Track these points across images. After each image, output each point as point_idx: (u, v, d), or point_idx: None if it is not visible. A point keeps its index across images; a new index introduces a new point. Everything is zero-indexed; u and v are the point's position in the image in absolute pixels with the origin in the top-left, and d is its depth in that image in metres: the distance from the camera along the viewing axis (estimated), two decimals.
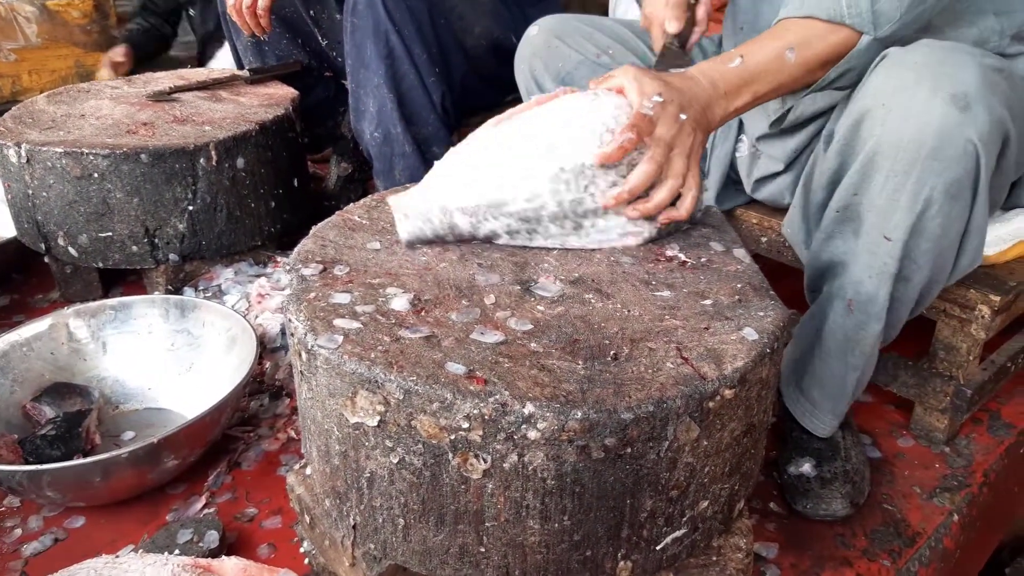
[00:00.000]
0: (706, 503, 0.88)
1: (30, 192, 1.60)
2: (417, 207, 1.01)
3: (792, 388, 1.25)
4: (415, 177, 1.76)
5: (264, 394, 1.46)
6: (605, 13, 3.05)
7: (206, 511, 1.23)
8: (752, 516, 1.21)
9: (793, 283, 1.36)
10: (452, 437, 0.79)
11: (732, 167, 1.47)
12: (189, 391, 1.43)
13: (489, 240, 1.01)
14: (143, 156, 1.54)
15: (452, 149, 1.06)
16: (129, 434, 1.39)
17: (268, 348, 1.50)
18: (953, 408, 1.35)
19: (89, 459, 1.13)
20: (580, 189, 0.98)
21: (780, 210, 1.45)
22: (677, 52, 1.28)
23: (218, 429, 1.28)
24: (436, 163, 1.06)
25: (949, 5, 1.12)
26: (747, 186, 1.43)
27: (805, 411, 1.24)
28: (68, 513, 1.24)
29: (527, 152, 0.98)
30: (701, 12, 1.30)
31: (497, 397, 0.77)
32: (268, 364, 1.48)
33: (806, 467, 1.23)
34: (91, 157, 1.54)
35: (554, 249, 1.03)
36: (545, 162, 0.97)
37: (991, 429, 1.43)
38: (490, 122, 1.07)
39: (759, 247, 1.46)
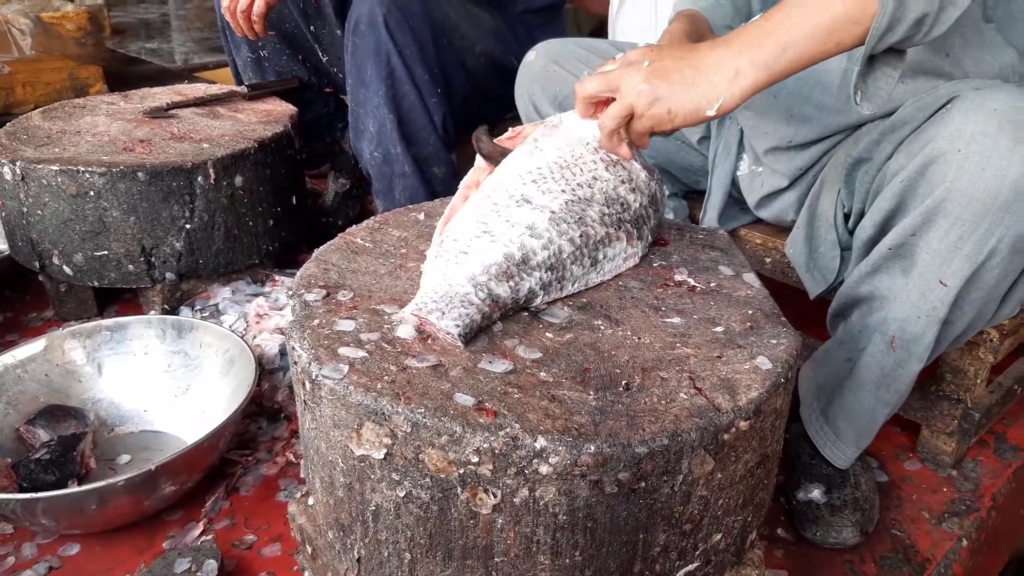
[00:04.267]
0: (719, 536, 0.87)
1: (25, 210, 1.58)
2: (448, 296, 0.89)
3: (816, 415, 1.23)
4: (414, 197, 1.75)
5: (262, 416, 1.44)
6: (601, 35, 3.06)
7: (204, 538, 1.20)
8: (761, 543, 1.19)
9: (798, 304, 1.35)
10: (461, 471, 0.77)
11: (735, 186, 1.46)
12: (186, 413, 1.41)
13: (528, 303, 0.94)
14: (140, 174, 1.52)
15: (434, 238, 1.00)
16: (125, 457, 1.36)
17: (267, 369, 1.47)
18: (960, 431, 1.34)
19: (85, 487, 1.11)
20: (578, 222, 0.96)
21: (784, 230, 1.44)
22: None
23: (217, 454, 1.26)
24: (428, 254, 0.99)
25: (976, 36, 1.10)
26: (751, 204, 1.42)
27: (827, 440, 1.22)
28: (62, 541, 1.21)
29: (517, 212, 0.95)
30: None
31: (508, 431, 0.75)
32: (266, 386, 1.46)
33: (815, 493, 1.21)
34: (87, 175, 1.51)
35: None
36: (537, 213, 0.94)
37: (998, 452, 1.42)
38: (456, 197, 1.05)
39: (763, 268, 1.45)
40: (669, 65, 0.94)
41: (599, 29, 3.27)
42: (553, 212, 0.94)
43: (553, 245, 0.93)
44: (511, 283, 0.91)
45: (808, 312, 1.40)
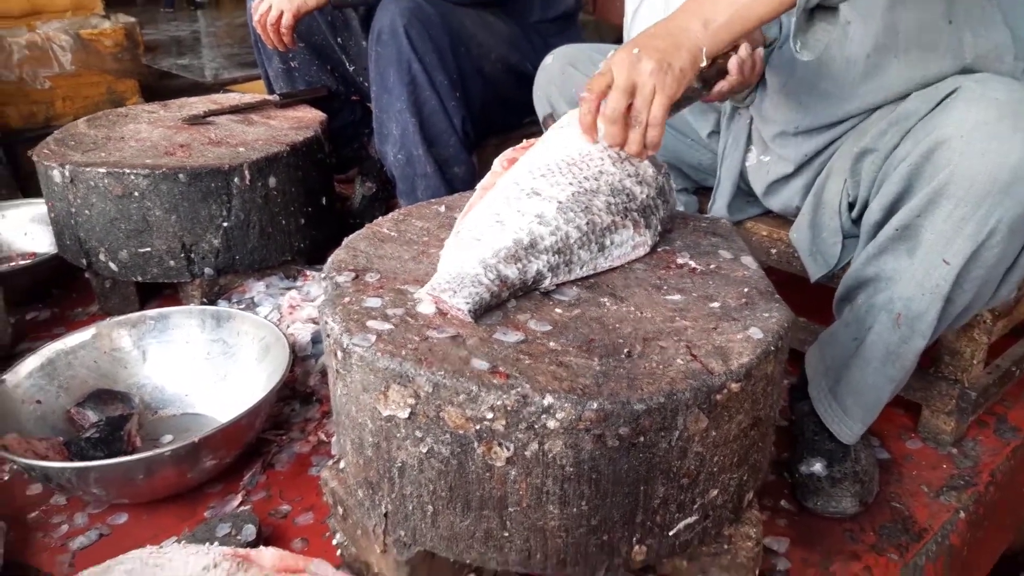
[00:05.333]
0: (716, 491, 0.94)
1: (73, 210, 1.69)
2: (460, 277, 0.97)
3: (824, 394, 1.30)
4: (436, 196, 1.83)
5: (296, 399, 1.53)
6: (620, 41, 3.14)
7: (242, 508, 1.29)
8: (764, 513, 1.26)
9: (802, 292, 1.42)
10: (477, 427, 0.85)
11: (743, 178, 1.53)
12: (224, 397, 1.50)
13: (537, 284, 1.00)
14: (181, 176, 1.63)
15: (453, 230, 1.08)
16: (167, 438, 1.46)
17: (299, 356, 1.57)
18: (959, 411, 1.40)
19: (133, 456, 1.20)
20: (584, 211, 1.03)
21: (789, 222, 1.50)
22: (695, 89, 1.21)
23: (253, 432, 1.35)
24: (446, 243, 1.06)
25: (978, 9, 1.16)
26: (759, 192, 1.49)
27: (836, 417, 1.29)
28: (112, 510, 1.31)
29: (527, 202, 1.03)
30: (733, 64, 1.23)
31: (519, 390, 0.83)
32: (299, 371, 1.55)
33: (817, 467, 1.28)
34: (132, 177, 1.62)
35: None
36: (546, 203, 1.02)
37: (998, 432, 1.48)
38: (475, 196, 1.13)
39: (769, 258, 1.52)
40: (646, 36, 1.04)
41: (621, 40, 3.34)
42: (560, 202, 1.02)
43: (560, 231, 1.01)
44: (519, 265, 0.99)
45: (811, 300, 1.47)
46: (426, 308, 0.97)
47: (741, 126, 1.47)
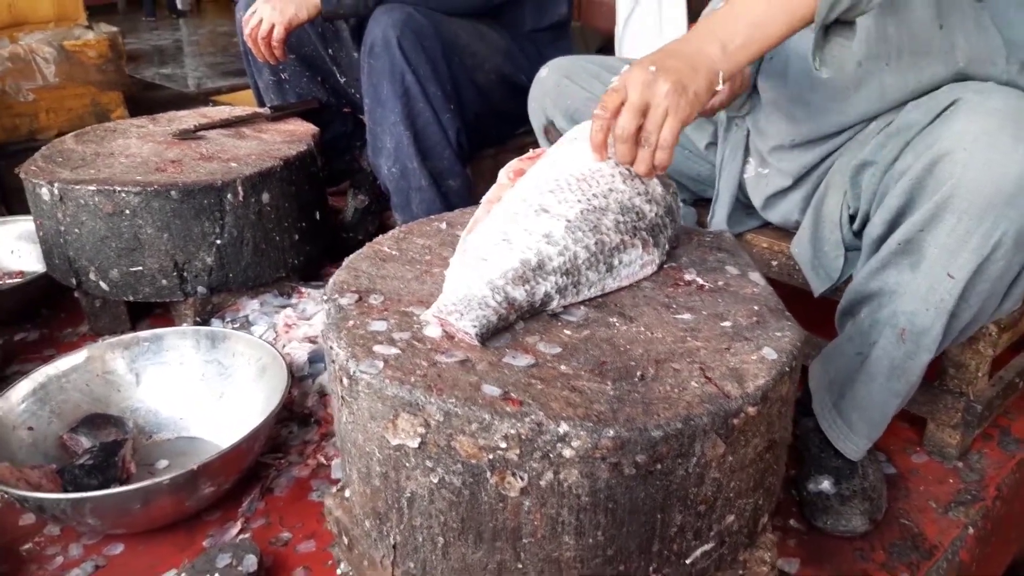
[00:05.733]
0: (732, 517, 0.92)
1: (62, 229, 1.66)
2: (467, 299, 0.94)
3: (828, 410, 1.28)
4: (431, 209, 1.82)
5: (293, 421, 1.50)
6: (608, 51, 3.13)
7: (242, 536, 1.26)
8: (775, 533, 1.24)
9: (804, 304, 1.40)
10: (490, 456, 0.83)
11: (741, 189, 1.52)
12: (220, 420, 1.47)
13: (545, 306, 0.99)
14: (173, 193, 1.60)
15: (458, 247, 1.07)
16: (163, 463, 1.43)
17: (296, 376, 1.54)
18: (964, 424, 1.39)
19: (130, 487, 1.17)
20: (593, 230, 1.01)
21: (790, 234, 1.49)
22: None
23: (252, 457, 1.32)
24: (451, 261, 1.05)
25: (971, 11, 1.15)
26: (757, 205, 1.48)
27: (840, 433, 1.27)
28: (107, 540, 1.27)
29: (535, 220, 1.01)
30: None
31: (532, 417, 0.81)
32: (296, 392, 1.53)
33: (825, 484, 1.27)
34: (123, 194, 1.59)
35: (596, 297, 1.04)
36: (554, 221, 1.00)
37: (1002, 444, 1.47)
38: (480, 210, 1.11)
39: (770, 271, 1.51)
40: (663, 55, 1.01)
41: (606, 46, 3.33)
42: (569, 220, 1.00)
43: (568, 252, 0.99)
44: (527, 287, 0.96)
45: (813, 312, 1.45)
46: (433, 331, 0.95)
47: (738, 138, 1.46)
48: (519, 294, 0.95)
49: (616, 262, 1.03)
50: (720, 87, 1.01)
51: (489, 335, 0.93)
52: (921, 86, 1.19)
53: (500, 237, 1.00)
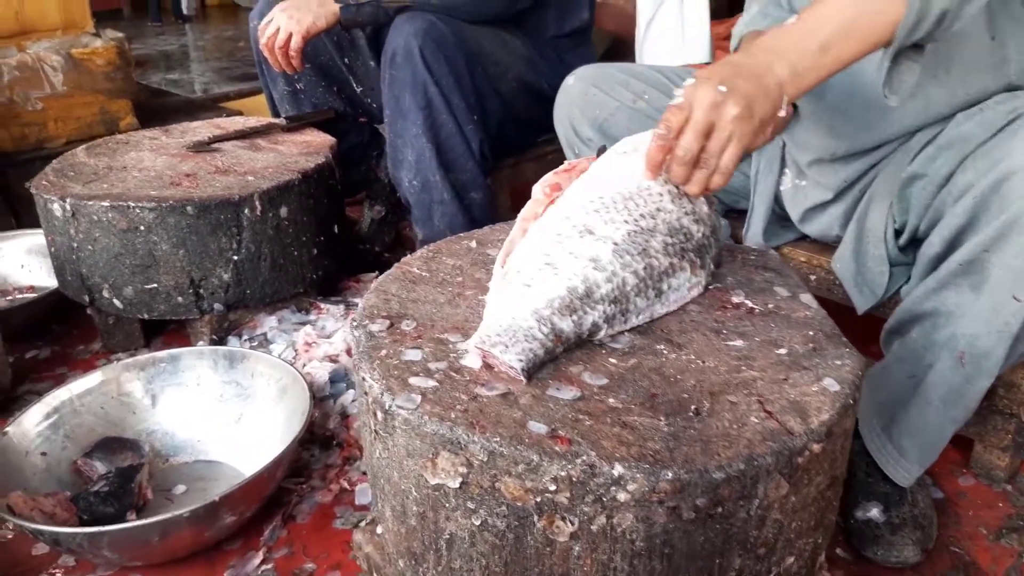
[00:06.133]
0: (792, 559, 0.87)
1: (75, 245, 1.61)
2: (511, 330, 0.88)
3: (877, 434, 1.23)
4: (453, 223, 1.77)
5: (314, 444, 1.45)
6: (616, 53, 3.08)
7: (264, 567, 1.22)
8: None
9: (841, 322, 1.34)
10: (538, 499, 0.78)
11: (777, 202, 1.46)
12: (239, 442, 1.43)
13: (591, 336, 0.93)
14: (189, 208, 1.55)
15: (495, 270, 1.01)
16: (180, 487, 1.38)
17: (317, 397, 1.49)
18: (1015, 446, 1.33)
19: (150, 519, 1.12)
20: (642, 253, 0.95)
21: (828, 247, 1.44)
22: None
23: (275, 484, 1.27)
24: (490, 285, 0.99)
25: (1017, 23, 1.10)
26: (795, 218, 1.43)
27: (890, 458, 1.22)
28: (124, 572, 1.23)
29: (580, 243, 0.95)
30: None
31: (584, 458, 0.76)
32: (317, 413, 1.47)
33: (874, 512, 1.21)
34: (137, 210, 1.54)
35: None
36: (600, 244, 0.94)
37: None
38: (515, 230, 1.04)
39: (808, 285, 1.45)
40: (732, 70, 0.95)
41: (613, 47, 3.28)
42: (616, 243, 0.94)
43: (617, 278, 0.93)
44: (574, 317, 0.90)
45: (852, 329, 1.39)
46: (472, 361, 0.90)
47: (774, 150, 1.41)
48: (566, 325, 0.89)
49: (665, 287, 0.97)
50: (782, 113, 0.96)
51: (534, 370, 0.88)
52: (969, 98, 1.14)
53: (544, 261, 0.94)
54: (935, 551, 1.23)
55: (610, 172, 1.01)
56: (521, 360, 0.86)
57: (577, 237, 0.95)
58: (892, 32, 0.94)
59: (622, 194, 0.97)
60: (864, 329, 1.33)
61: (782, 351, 0.93)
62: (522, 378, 0.86)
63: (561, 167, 1.08)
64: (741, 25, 1.36)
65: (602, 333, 0.93)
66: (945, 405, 1.14)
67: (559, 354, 0.90)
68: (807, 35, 0.95)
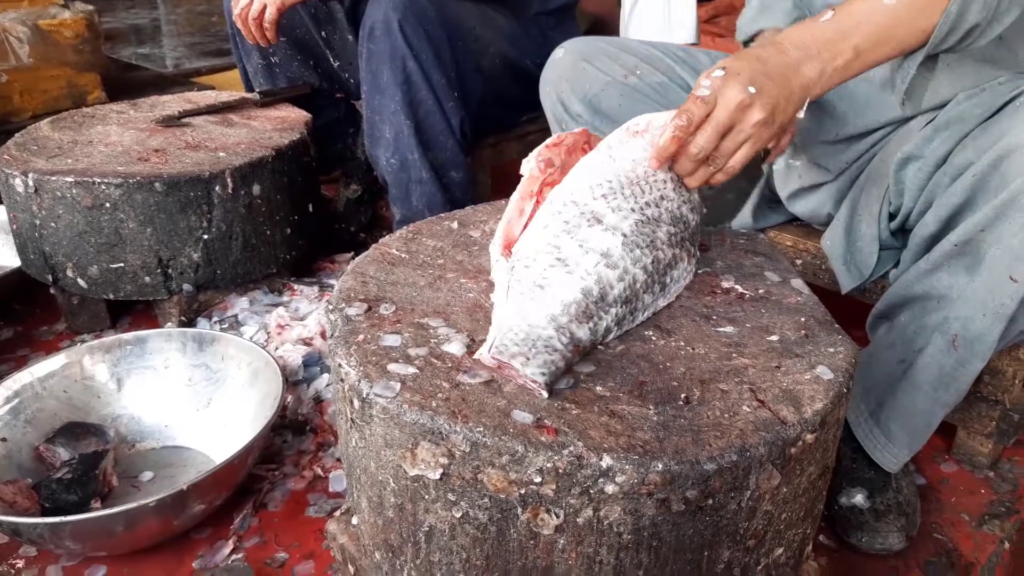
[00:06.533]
0: (781, 550, 0.84)
1: (37, 222, 1.55)
2: (530, 340, 0.82)
3: (864, 419, 1.21)
4: (432, 203, 1.72)
5: (287, 429, 1.41)
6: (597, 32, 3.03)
7: (234, 557, 1.18)
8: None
9: (828, 305, 1.32)
10: (522, 491, 0.75)
11: (767, 182, 1.43)
12: (208, 428, 1.38)
13: (603, 340, 0.88)
14: (157, 184, 1.49)
15: (495, 260, 0.96)
16: (147, 474, 1.33)
17: (290, 381, 1.44)
18: (999, 432, 1.32)
19: (114, 509, 1.08)
20: (650, 246, 0.90)
21: (815, 231, 1.42)
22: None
23: (245, 470, 1.23)
24: (495, 278, 0.95)
25: None
26: (783, 196, 1.40)
27: (878, 444, 1.20)
28: (88, 563, 1.18)
29: (589, 233, 0.89)
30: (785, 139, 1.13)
31: (571, 449, 0.73)
32: (290, 398, 1.43)
33: (859, 498, 1.20)
34: (103, 186, 1.48)
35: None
36: (609, 236, 0.88)
37: None
38: (511, 209, 0.99)
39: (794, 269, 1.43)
40: (761, 66, 0.91)
41: (594, 27, 3.24)
42: (625, 235, 0.89)
43: (628, 276, 0.88)
44: (591, 324, 0.85)
45: (834, 314, 1.37)
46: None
47: None
48: (584, 334, 0.84)
49: (668, 279, 0.93)
50: (801, 114, 0.93)
51: (555, 383, 0.82)
52: (976, 85, 1.11)
53: (555, 255, 0.87)
54: (918, 538, 1.22)
55: (616, 152, 0.95)
56: (544, 373, 0.80)
57: (586, 226, 0.89)
58: (922, 40, 0.93)
59: (628, 177, 0.92)
60: (848, 315, 1.30)
61: (774, 338, 0.90)
62: (545, 392, 0.80)
63: (550, 140, 1.04)
64: (747, 20, 1.32)
65: (612, 336, 0.89)
66: (935, 389, 1.12)
67: (575, 364, 0.85)
68: (841, 37, 0.93)
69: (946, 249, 1.04)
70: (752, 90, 0.88)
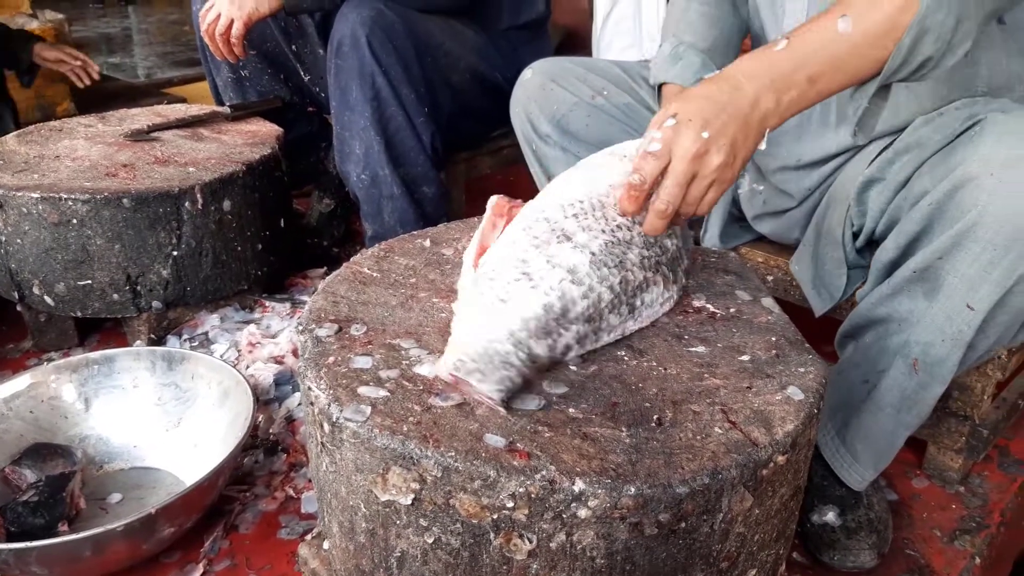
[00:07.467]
0: (754, 571, 0.84)
1: (3, 239, 1.52)
2: (487, 356, 0.81)
3: (831, 438, 1.21)
4: (404, 218, 1.71)
5: (259, 450, 1.39)
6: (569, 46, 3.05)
7: None
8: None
9: (799, 321, 1.33)
10: (495, 516, 0.74)
11: (735, 204, 1.45)
12: (178, 448, 1.36)
13: (564, 357, 0.87)
14: (125, 200, 1.47)
15: (464, 273, 0.94)
16: (116, 496, 1.31)
17: (261, 400, 1.43)
18: (969, 448, 1.33)
19: (81, 534, 1.05)
20: (618, 266, 0.90)
21: (786, 248, 1.43)
22: None
23: (216, 492, 1.22)
24: (460, 289, 0.94)
25: (996, 37, 1.09)
26: (749, 218, 1.41)
27: (844, 462, 1.20)
28: None
29: (557, 249, 0.88)
30: None
31: (544, 473, 0.72)
32: (262, 417, 1.41)
33: (830, 516, 1.20)
34: (70, 202, 1.46)
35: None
36: (577, 253, 0.88)
37: (1002, 466, 1.42)
38: (485, 222, 0.97)
39: (766, 286, 1.44)
40: (712, 107, 0.89)
41: (566, 41, 3.25)
42: (593, 254, 0.88)
43: (593, 294, 0.87)
44: (550, 340, 0.84)
45: (807, 329, 1.38)
46: (425, 370, 0.86)
47: None
48: (542, 350, 0.83)
49: (638, 302, 0.92)
50: (762, 146, 0.92)
51: (511, 398, 0.82)
52: (935, 106, 1.13)
53: (520, 269, 0.86)
54: (890, 554, 1.22)
55: (595, 174, 0.95)
56: (500, 390, 0.80)
57: (555, 243, 0.88)
58: (876, 70, 0.92)
59: (602, 201, 0.92)
60: (819, 330, 1.31)
61: (745, 358, 0.90)
62: (501, 409, 0.80)
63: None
64: (658, 68, 1.33)
65: (572, 354, 0.88)
66: (898, 411, 1.13)
67: (531, 379, 0.85)
68: (796, 67, 0.92)
69: (906, 275, 1.05)
70: (705, 135, 0.87)
